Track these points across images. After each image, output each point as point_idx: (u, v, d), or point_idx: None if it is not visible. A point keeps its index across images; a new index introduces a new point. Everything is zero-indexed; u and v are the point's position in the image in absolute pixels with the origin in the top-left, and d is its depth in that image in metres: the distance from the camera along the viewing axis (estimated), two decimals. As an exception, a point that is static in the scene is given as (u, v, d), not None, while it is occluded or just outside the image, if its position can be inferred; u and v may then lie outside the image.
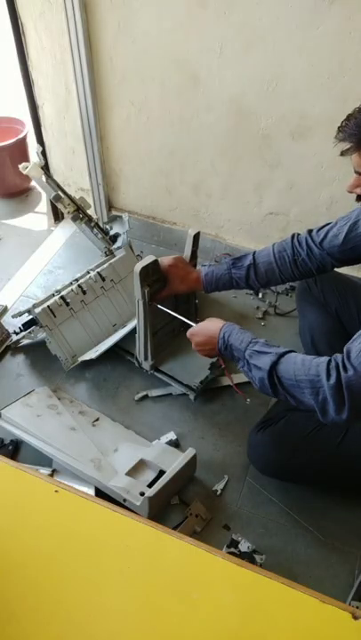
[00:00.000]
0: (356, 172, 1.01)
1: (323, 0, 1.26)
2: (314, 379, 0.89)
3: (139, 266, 1.27)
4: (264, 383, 0.97)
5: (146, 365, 1.55)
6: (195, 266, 1.47)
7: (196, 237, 1.41)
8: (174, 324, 1.58)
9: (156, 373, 1.56)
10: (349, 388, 0.86)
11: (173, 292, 1.35)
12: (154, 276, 1.33)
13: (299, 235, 1.26)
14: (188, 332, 1.20)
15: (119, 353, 1.62)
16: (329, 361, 0.90)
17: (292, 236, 1.26)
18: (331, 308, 1.39)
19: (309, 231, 1.25)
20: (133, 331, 1.51)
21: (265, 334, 1.72)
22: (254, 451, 1.29)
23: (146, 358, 1.53)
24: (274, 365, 0.95)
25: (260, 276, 1.27)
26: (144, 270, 1.28)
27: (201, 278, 1.32)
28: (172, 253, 1.44)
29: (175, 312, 1.52)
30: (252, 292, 1.87)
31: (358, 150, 0.97)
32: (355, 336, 0.92)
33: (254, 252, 1.28)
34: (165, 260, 1.31)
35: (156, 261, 1.30)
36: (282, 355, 0.96)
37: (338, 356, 0.91)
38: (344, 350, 0.91)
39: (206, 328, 1.14)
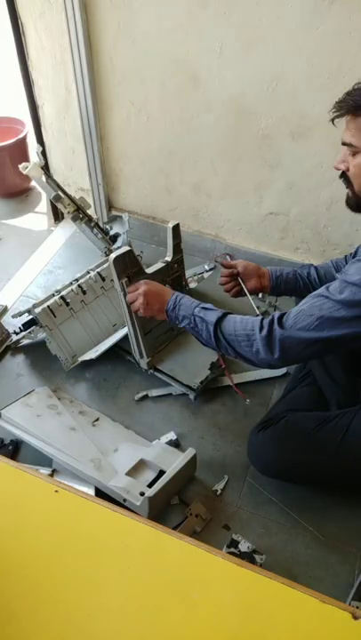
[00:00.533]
0: (344, 144, 0.99)
1: (323, 0, 1.26)
2: (249, 333, 1.03)
3: (113, 255, 1.27)
4: (210, 335, 1.09)
5: (143, 364, 1.55)
6: (182, 260, 1.47)
7: (176, 229, 1.41)
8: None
9: (155, 373, 1.56)
10: (282, 342, 0.99)
11: (252, 289, 1.35)
12: (133, 268, 1.33)
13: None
14: (143, 281, 1.25)
15: (119, 353, 1.62)
16: (263, 317, 1.03)
17: (346, 255, 1.30)
18: None
19: None
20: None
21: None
22: (255, 451, 1.29)
23: (141, 356, 1.53)
24: (219, 321, 1.08)
25: (321, 276, 1.29)
26: (119, 259, 1.27)
27: (269, 272, 1.33)
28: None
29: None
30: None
31: (351, 114, 0.95)
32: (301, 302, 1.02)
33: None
34: (236, 262, 1.37)
35: (131, 252, 1.30)
36: (225, 313, 1.09)
37: (275, 313, 1.02)
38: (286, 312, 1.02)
39: (161, 286, 1.24)
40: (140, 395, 1.54)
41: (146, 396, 1.54)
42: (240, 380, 1.56)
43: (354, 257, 1.19)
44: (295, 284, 1.32)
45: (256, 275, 1.33)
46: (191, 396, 1.51)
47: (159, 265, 1.44)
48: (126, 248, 1.29)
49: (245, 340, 1.03)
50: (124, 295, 1.35)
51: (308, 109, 1.46)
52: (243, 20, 1.37)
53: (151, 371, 1.56)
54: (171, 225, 1.40)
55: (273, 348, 1.00)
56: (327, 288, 0.98)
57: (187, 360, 1.55)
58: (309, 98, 1.44)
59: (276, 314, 1.02)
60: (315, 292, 1.00)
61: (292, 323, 0.98)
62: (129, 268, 1.32)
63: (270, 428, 1.25)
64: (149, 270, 1.41)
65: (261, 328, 1.01)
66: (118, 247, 1.77)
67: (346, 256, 1.30)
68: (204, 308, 1.12)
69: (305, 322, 0.97)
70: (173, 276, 1.48)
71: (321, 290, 0.99)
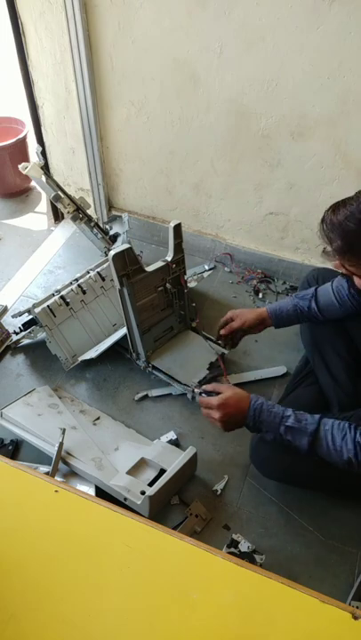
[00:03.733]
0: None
1: (323, 0, 1.26)
2: (347, 462, 1.02)
3: (112, 252, 1.29)
4: (304, 454, 1.07)
5: (140, 363, 1.56)
6: (183, 259, 1.49)
7: (177, 229, 1.42)
8: (172, 321, 1.58)
9: (154, 372, 1.56)
10: None
11: (245, 325, 1.39)
12: (132, 266, 1.34)
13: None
14: (216, 398, 1.13)
15: (119, 351, 1.62)
16: (356, 451, 1.00)
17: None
18: None
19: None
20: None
21: (265, 334, 1.72)
22: (258, 454, 1.28)
23: (138, 357, 1.54)
24: (312, 446, 1.05)
25: (321, 308, 1.32)
26: (119, 256, 1.30)
27: (268, 311, 1.37)
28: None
29: (169, 309, 1.53)
30: (252, 292, 1.87)
31: (338, 255, 0.97)
32: None
33: (316, 287, 1.35)
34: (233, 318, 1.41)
35: (131, 249, 1.32)
36: (314, 434, 1.04)
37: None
38: None
39: (236, 400, 1.12)
40: (140, 395, 1.54)
41: (146, 396, 1.54)
42: (240, 380, 1.56)
43: None
44: (296, 317, 1.35)
45: (256, 320, 1.38)
46: (189, 396, 1.51)
47: (159, 264, 1.44)
48: (126, 245, 1.31)
49: (344, 465, 1.04)
50: (120, 291, 1.36)
51: (308, 109, 1.46)
52: (243, 19, 1.37)
53: (149, 369, 1.56)
54: (172, 224, 1.40)
55: None
56: None
57: (185, 359, 1.55)
58: (309, 98, 1.44)
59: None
60: None
61: None
62: (128, 265, 1.33)
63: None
64: (149, 269, 1.41)
65: (359, 464, 1.01)
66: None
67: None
68: (289, 427, 1.06)
69: None
70: (173, 275, 1.49)
71: None
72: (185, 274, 1.54)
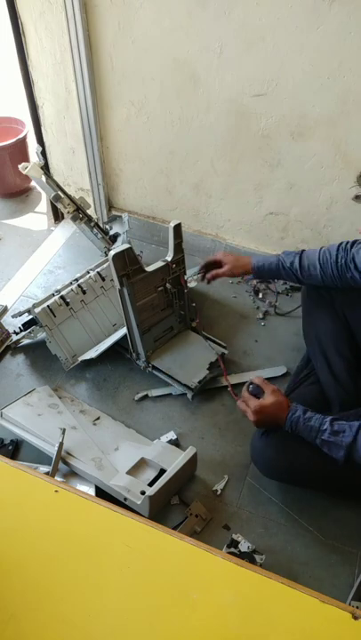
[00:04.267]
0: None
1: (323, 0, 1.26)
2: None
3: (112, 252, 1.29)
4: (340, 463, 1.10)
5: (140, 363, 1.56)
6: (183, 259, 1.49)
7: (177, 229, 1.42)
8: (172, 321, 1.58)
9: (154, 372, 1.56)
10: None
11: (230, 273, 1.44)
12: (132, 266, 1.34)
13: (348, 242, 1.29)
14: (254, 409, 1.16)
15: (119, 351, 1.62)
16: None
17: (342, 242, 1.30)
18: (337, 303, 1.38)
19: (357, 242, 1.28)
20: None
21: (265, 334, 1.72)
22: (258, 454, 1.27)
23: (138, 357, 1.54)
24: (348, 457, 1.08)
25: (303, 266, 1.33)
26: (119, 256, 1.30)
27: (251, 260, 1.41)
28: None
29: (169, 309, 1.53)
30: (252, 292, 1.87)
31: None
32: None
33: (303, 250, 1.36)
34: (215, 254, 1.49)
35: (131, 249, 1.32)
36: (350, 446, 1.07)
37: None
38: None
39: (275, 408, 1.15)
40: (140, 395, 1.54)
41: (146, 396, 1.54)
42: (240, 380, 1.56)
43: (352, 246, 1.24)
44: (278, 271, 1.37)
45: (236, 260, 1.43)
46: (189, 396, 1.51)
47: (159, 264, 1.44)
48: (126, 245, 1.31)
49: None
50: (120, 291, 1.36)
51: (308, 109, 1.46)
52: (243, 20, 1.37)
53: (149, 369, 1.56)
54: (172, 224, 1.41)
55: None
56: None
57: (185, 359, 1.55)
58: (309, 98, 1.44)
59: None
60: None
61: None
62: (128, 265, 1.33)
63: (274, 431, 1.24)
64: (149, 269, 1.41)
65: None
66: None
67: (341, 244, 1.29)
68: (325, 440, 1.09)
69: None
70: (173, 275, 1.49)
71: None
72: (185, 274, 1.54)
